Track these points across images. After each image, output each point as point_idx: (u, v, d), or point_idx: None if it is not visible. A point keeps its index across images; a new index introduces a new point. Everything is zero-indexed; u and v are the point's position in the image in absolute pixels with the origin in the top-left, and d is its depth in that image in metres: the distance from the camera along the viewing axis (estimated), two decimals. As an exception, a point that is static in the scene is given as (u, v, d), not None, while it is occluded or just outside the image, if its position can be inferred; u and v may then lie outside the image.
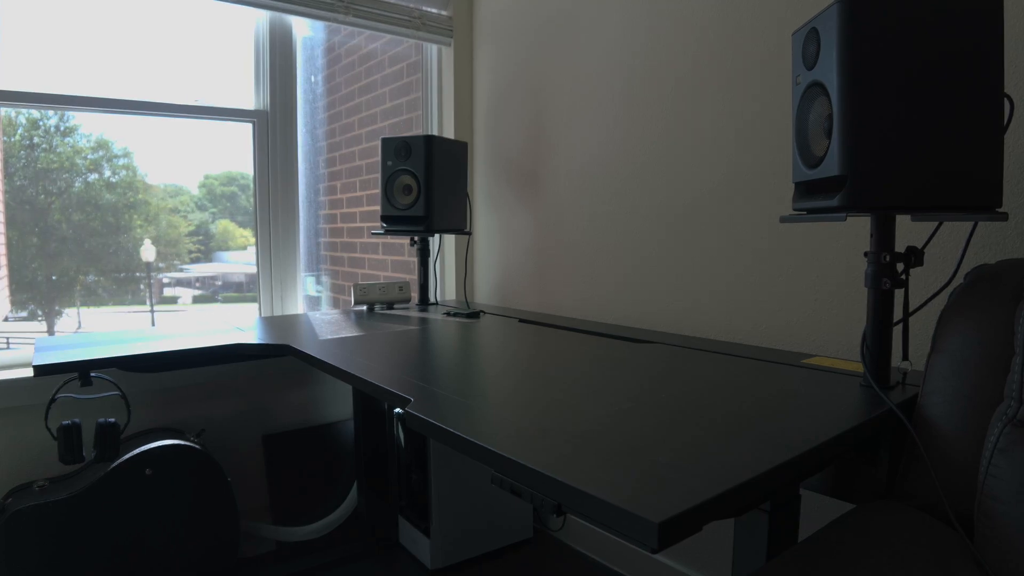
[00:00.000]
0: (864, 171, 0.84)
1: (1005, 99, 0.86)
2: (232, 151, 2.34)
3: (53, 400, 1.45)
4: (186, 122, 1.99)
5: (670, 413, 0.85)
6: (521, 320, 1.81)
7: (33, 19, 1.79)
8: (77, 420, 1.40)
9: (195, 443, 1.60)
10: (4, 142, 1.81)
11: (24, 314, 1.93)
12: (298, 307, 2.18)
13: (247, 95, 2.09)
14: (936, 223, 1.05)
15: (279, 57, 2.09)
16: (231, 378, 1.83)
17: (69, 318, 2.08)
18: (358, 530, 2.02)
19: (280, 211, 2.13)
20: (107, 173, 2.31)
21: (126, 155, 2.35)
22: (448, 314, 1.90)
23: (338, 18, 2.03)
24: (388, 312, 1.97)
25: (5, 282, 1.84)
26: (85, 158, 2.04)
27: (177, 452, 1.54)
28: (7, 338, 1.84)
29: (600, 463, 0.68)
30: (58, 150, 1.94)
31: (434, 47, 2.35)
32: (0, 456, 1.53)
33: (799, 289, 1.37)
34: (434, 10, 2.23)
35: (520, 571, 1.81)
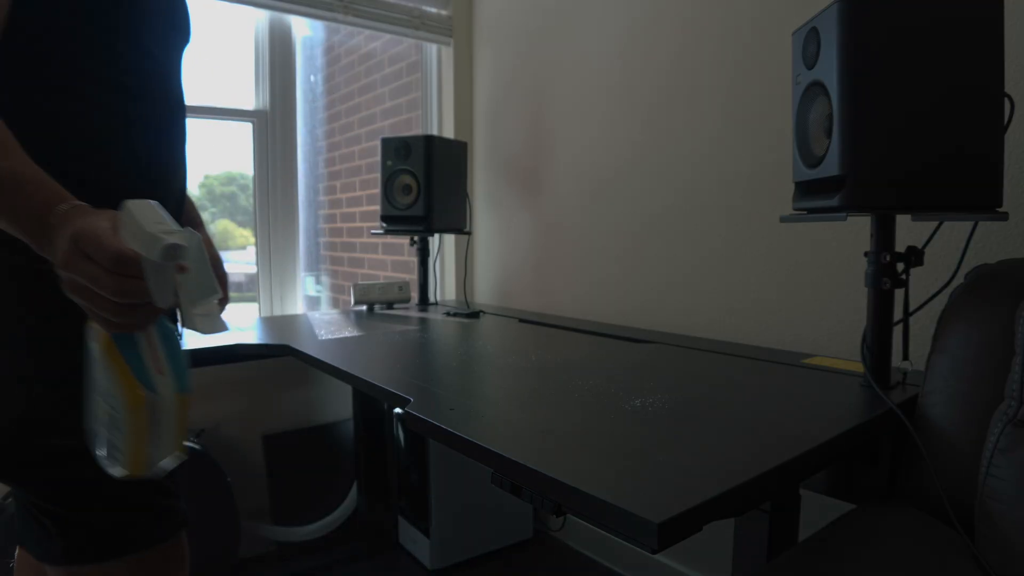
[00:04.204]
0: (864, 171, 0.84)
1: (1005, 99, 0.86)
2: (232, 151, 2.34)
3: (53, 400, 1.45)
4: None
5: (670, 413, 0.85)
6: (521, 320, 1.81)
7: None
8: (77, 420, 1.40)
9: (195, 443, 1.60)
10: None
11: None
12: (298, 307, 2.18)
13: (247, 95, 2.09)
14: (936, 223, 1.05)
15: (279, 57, 2.09)
16: (231, 378, 1.83)
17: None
18: (358, 530, 2.02)
19: (280, 211, 2.13)
20: (107, 173, 2.31)
21: (126, 155, 2.34)
22: (448, 314, 1.90)
23: (337, 18, 2.03)
24: (388, 312, 1.97)
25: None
26: (85, 158, 2.04)
27: (177, 452, 1.54)
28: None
29: (600, 463, 0.68)
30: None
31: (434, 47, 2.35)
32: (0, 456, 1.53)
33: (799, 289, 1.37)
34: (434, 10, 2.23)
35: (520, 571, 1.81)
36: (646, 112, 1.69)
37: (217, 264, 1.01)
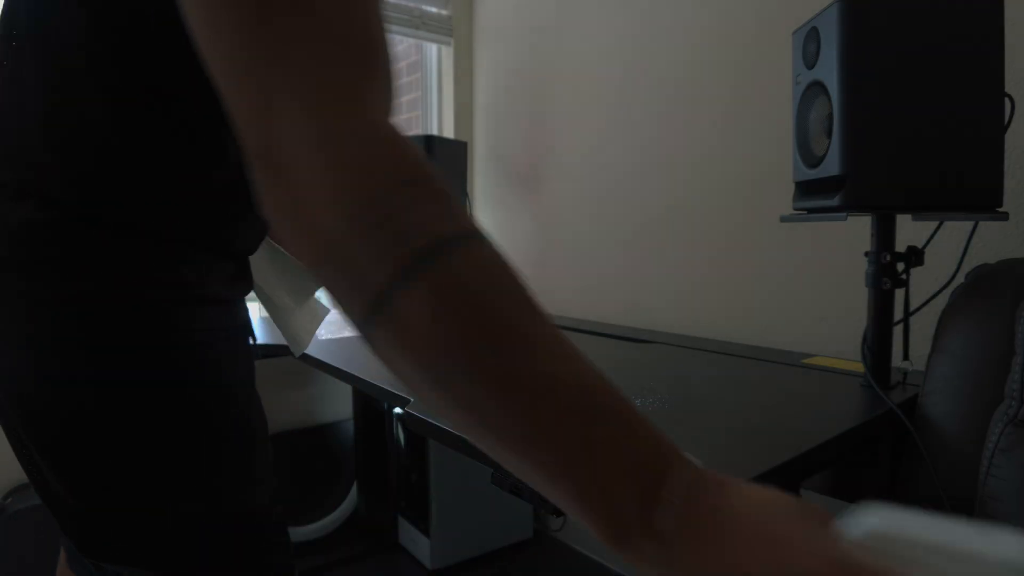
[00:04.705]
0: (864, 171, 0.84)
1: (1006, 98, 0.86)
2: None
3: (53, 400, 1.45)
4: (186, 122, 1.99)
5: (670, 413, 0.85)
6: (521, 320, 1.81)
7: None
8: (77, 420, 1.40)
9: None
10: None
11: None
12: (298, 307, 2.18)
13: (247, 95, 2.08)
14: (936, 223, 1.05)
15: (279, 57, 2.09)
16: (231, 378, 1.83)
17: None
18: (358, 530, 2.02)
19: (280, 211, 2.13)
20: (107, 173, 2.31)
21: (126, 155, 2.35)
22: (448, 314, 1.89)
23: (338, 18, 2.03)
24: (388, 312, 1.96)
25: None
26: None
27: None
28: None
29: (600, 463, 0.67)
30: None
31: (434, 47, 2.35)
32: (0, 456, 1.53)
33: (799, 289, 1.37)
34: (434, 10, 2.23)
35: (520, 571, 1.81)
36: (646, 112, 1.69)
37: None
